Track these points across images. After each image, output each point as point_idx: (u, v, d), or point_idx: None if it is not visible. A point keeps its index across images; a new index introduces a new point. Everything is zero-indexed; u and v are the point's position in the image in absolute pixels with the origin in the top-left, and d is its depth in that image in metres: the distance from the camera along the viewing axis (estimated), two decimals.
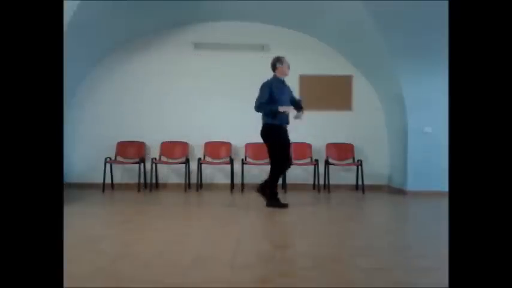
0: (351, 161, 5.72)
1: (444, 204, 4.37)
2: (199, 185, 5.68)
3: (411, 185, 5.25)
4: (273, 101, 4.02)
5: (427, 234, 2.99)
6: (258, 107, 4.07)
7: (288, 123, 4.15)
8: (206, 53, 5.97)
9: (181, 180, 5.76)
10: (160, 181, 5.83)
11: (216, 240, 2.65)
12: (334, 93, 5.87)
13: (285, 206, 4.06)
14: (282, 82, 4.23)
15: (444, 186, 4.86)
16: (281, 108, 3.99)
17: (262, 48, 5.96)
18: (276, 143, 4.05)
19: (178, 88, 5.93)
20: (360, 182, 5.59)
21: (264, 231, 2.95)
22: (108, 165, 5.56)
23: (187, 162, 5.61)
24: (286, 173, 5.55)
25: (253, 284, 1.81)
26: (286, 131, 4.14)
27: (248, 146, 5.81)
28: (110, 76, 5.92)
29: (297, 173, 5.85)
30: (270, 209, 4.06)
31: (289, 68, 4.26)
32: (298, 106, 4.25)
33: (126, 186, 5.72)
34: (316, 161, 5.61)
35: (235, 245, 2.53)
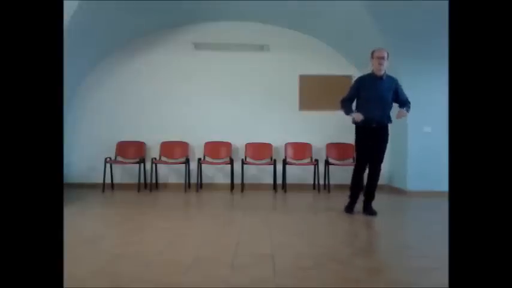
0: (351, 160, 5.71)
1: (444, 204, 4.37)
2: (199, 185, 5.68)
3: (411, 185, 5.25)
4: (358, 98, 3.73)
5: (427, 234, 2.99)
6: (340, 104, 3.84)
7: (371, 122, 3.68)
8: (206, 53, 5.97)
9: (181, 180, 5.76)
10: (160, 181, 5.83)
11: (216, 241, 2.65)
12: (334, 93, 5.86)
13: (347, 211, 3.88)
14: (375, 78, 3.69)
15: (444, 186, 4.86)
16: (353, 114, 3.65)
17: (262, 48, 5.97)
18: (355, 143, 3.84)
19: (178, 88, 5.94)
20: None
21: (263, 231, 2.94)
22: (108, 165, 5.56)
23: (187, 162, 5.61)
24: (286, 172, 5.60)
25: (253, 284, 1.81)
26: (369, 131, 3.70)
27: (248, 146, 5.82)
28: (110, 76, 5.92)
29: (297, 173, 5.85)
30: (269, 209, 4.06)
31: (380, 62, 3.61)
32: (402, 105, 3.76)
33: (126, 186, 5.72)
34: (316, 161, 5.61)
35: (235, 245, 2.53)
